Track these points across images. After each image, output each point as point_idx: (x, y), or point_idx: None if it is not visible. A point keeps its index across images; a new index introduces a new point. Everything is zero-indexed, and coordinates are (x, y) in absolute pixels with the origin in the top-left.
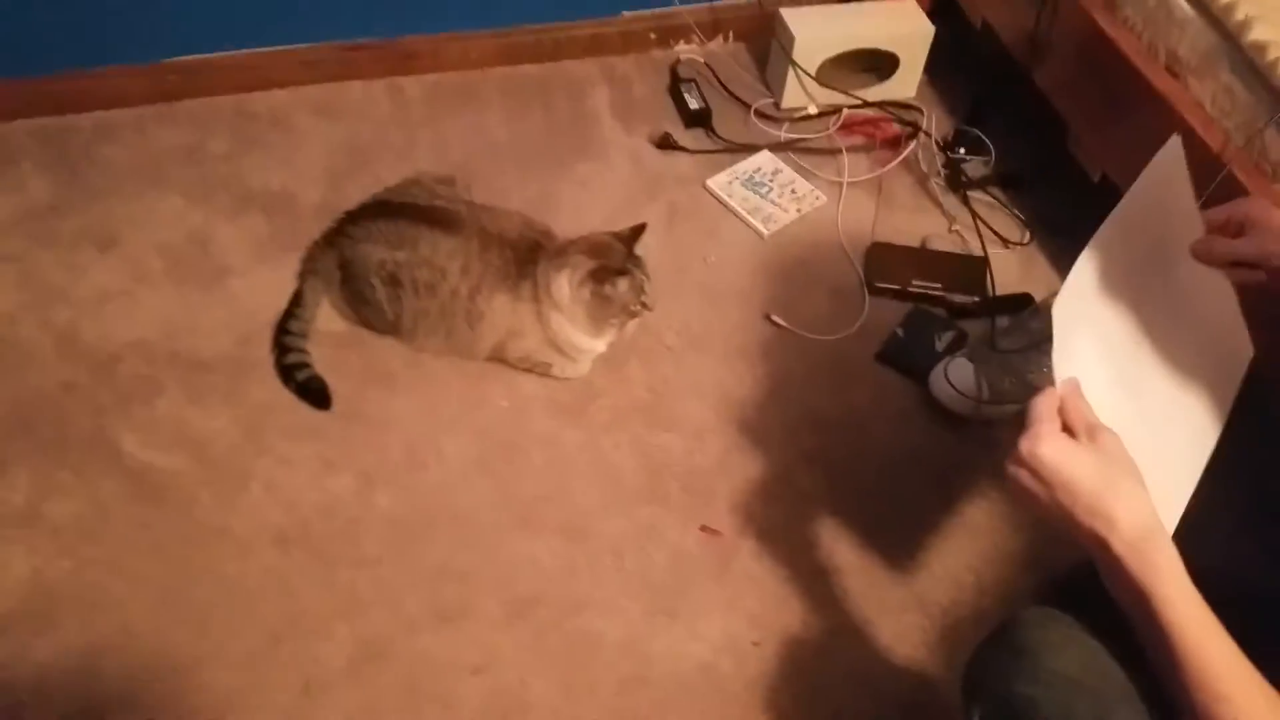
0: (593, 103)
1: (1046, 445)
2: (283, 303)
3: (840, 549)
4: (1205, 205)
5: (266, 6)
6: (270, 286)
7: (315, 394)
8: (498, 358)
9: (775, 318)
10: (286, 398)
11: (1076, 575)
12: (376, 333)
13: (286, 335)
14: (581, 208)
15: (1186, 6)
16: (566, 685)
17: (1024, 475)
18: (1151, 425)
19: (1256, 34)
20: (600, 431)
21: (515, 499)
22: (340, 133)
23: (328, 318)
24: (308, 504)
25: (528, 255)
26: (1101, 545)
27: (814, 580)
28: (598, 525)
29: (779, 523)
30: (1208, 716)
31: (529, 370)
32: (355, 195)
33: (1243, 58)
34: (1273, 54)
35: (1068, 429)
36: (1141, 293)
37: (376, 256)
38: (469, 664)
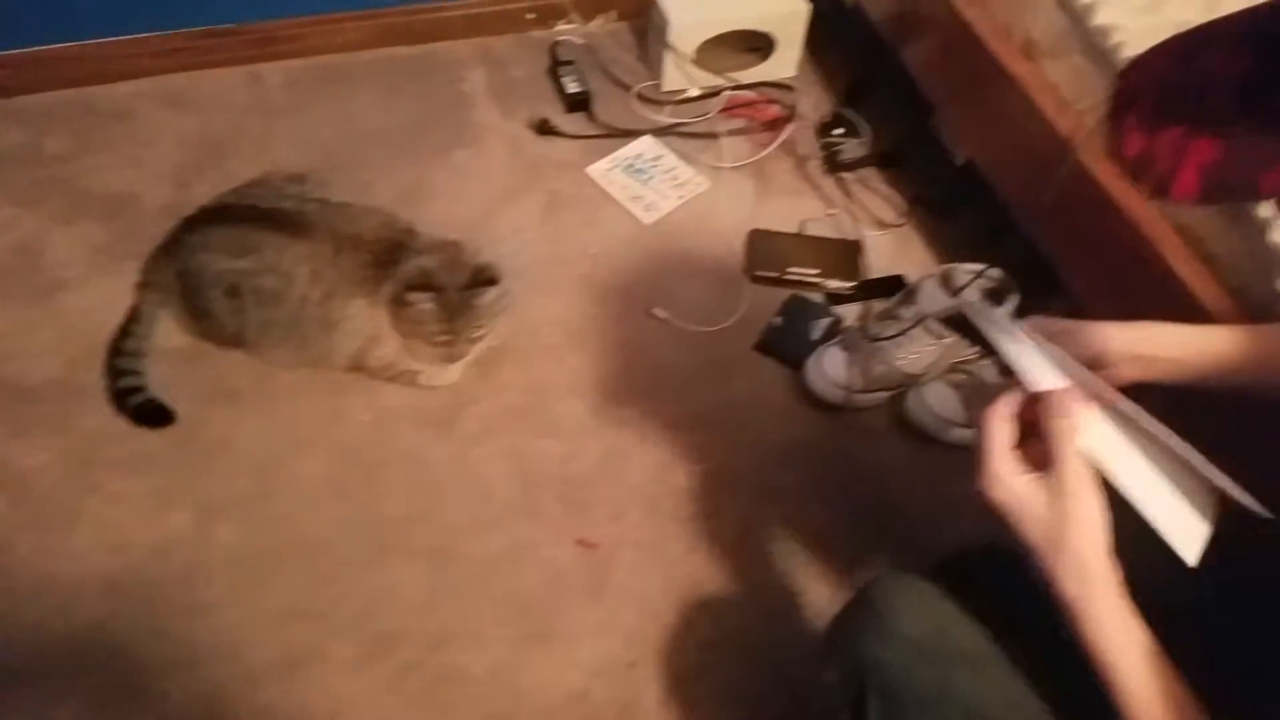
0: (468, 86)
1: (999, 489)
2: (118, 318)
3: (718, 554)
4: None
5: None
6: (106, 301)
7: (154, 414)
8: (358, 368)
9: (657, 311)
10: (120, 426)
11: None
12: (221, 347)
13: (120, 356)
14: (456, 197)
15: None
16: None
17: (985, 493)
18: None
19: (1102, 17)
20: (470, 443)
21: (374, 524)
22: (193, 126)
23: (167, 333)
24: (141, 545)
25: (387, 256)
26: (1050, 580)
27: (691, 589)
28: (465, 547)
29: (657, 530)
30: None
31: (393, 380)
32: (205, 194)
33: (1091, 40)
34: (1117, 37)
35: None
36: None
37: (216, 266)
38: (320, 714)
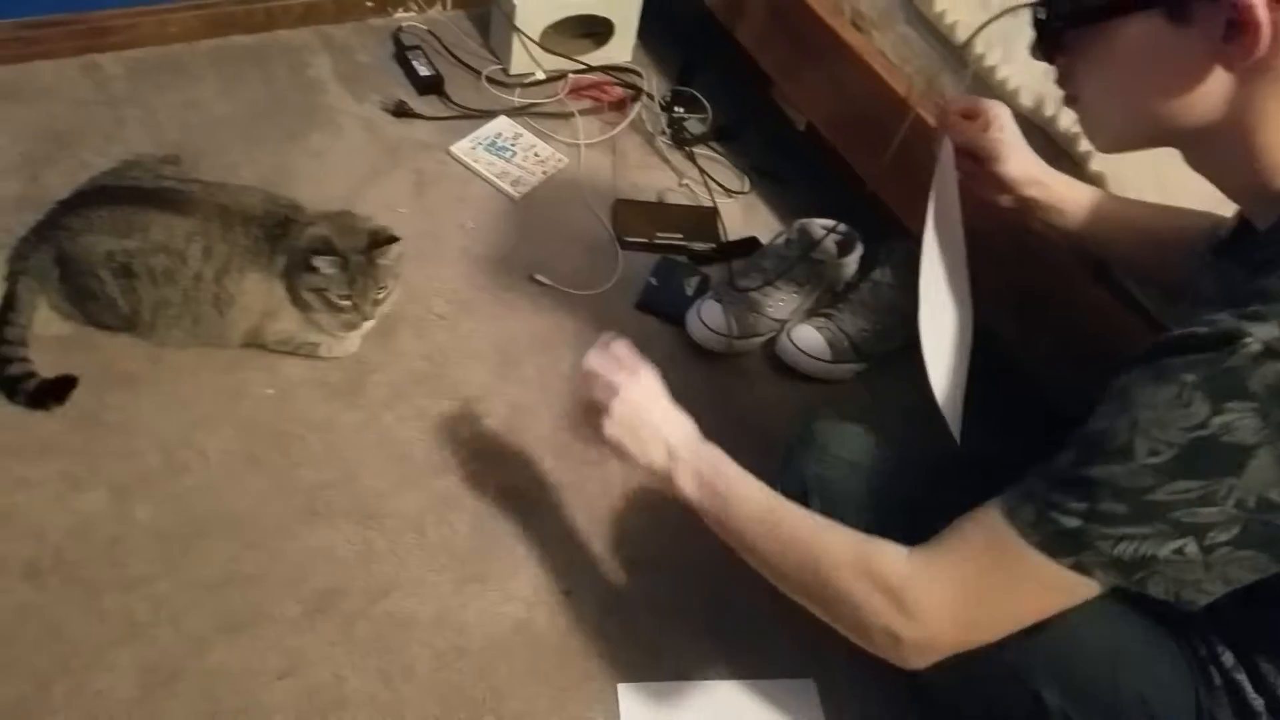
0: (315, 72)
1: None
2: None
3: (628, 488)
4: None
5: None
6: None
7: (50, 392)
8: (255, 343)
9: (539, 277)
10: (13, 414)
11: None
12: (108, 331)
13: (3, 345)
14: (320, 179)
15: None
16: (383, 672)
17: (606, 424)
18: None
19: None
20: (381, 408)
21: (297, 491)
22: (32, 117)
23: (47, 321)
24: (57, 528)
25: (277, 230)
26: (667, 466)
27: (610, 522)
28: (392, 504)
29: (570, 473)
30: (774, 540)
31: (292, 353)
32: (61, 184)
33: (914, 11)
34: (939, 6)
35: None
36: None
37: (103, 247)
38: (273, 670)
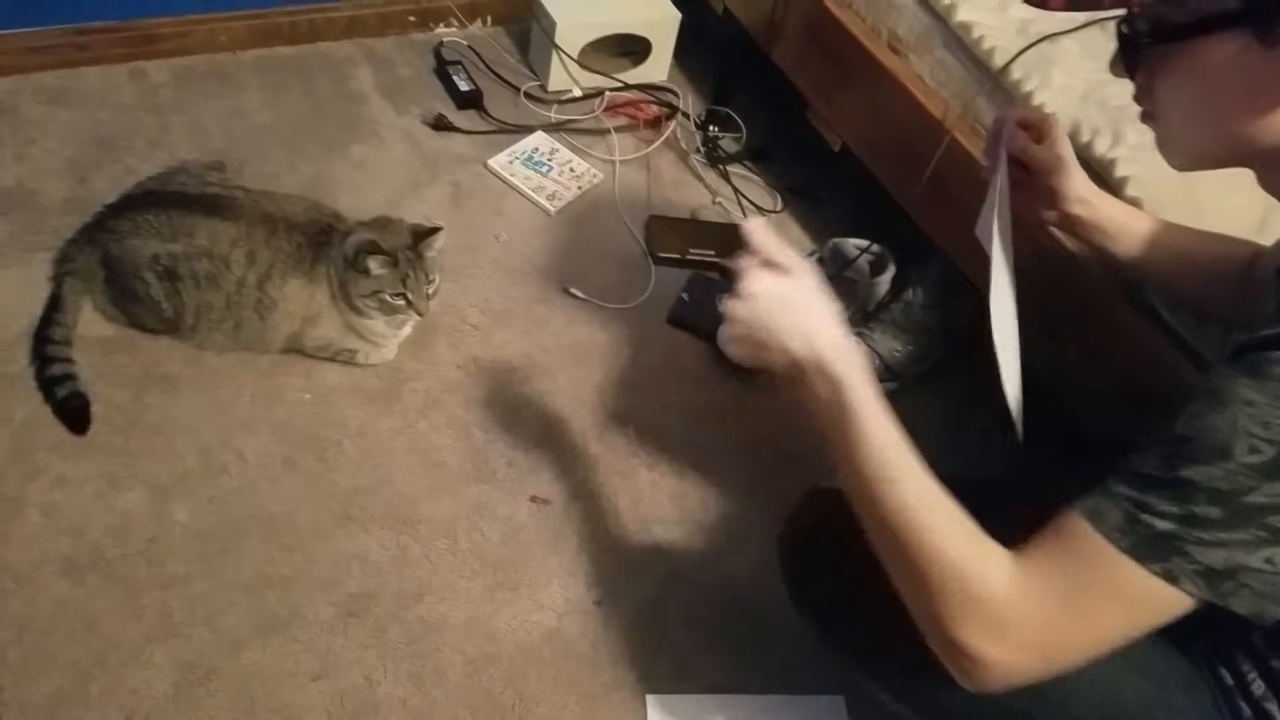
0: (357, 84)
1: (757, 281)
2: (35, 309)
3: (660, 500)
4: (934, 169)
5: None
6: (18, 293)
7: (73, 414)
8: (294, 348)
9: (573, 290)
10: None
11: None
12: (149, 333)
13: (48, 344)
14: (361, 190)
15: None
16: (414, 676)
17: (739, 308)
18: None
19: (962, 15)
20: (415, 415)
21: (332, 495)
22: (80, 122)
23: (91, 322)
24: (96, 526)
25: (320, 238)
26: (803, 358)
27: (641, 533)
28: (425, 510)
29: (602, 483)
30: (881, 497)
31: (331, 359)
32: (107, 188)
33: (952, 36)
34: (977, 32)
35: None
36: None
37: (148, 250)
38: (306, 671)
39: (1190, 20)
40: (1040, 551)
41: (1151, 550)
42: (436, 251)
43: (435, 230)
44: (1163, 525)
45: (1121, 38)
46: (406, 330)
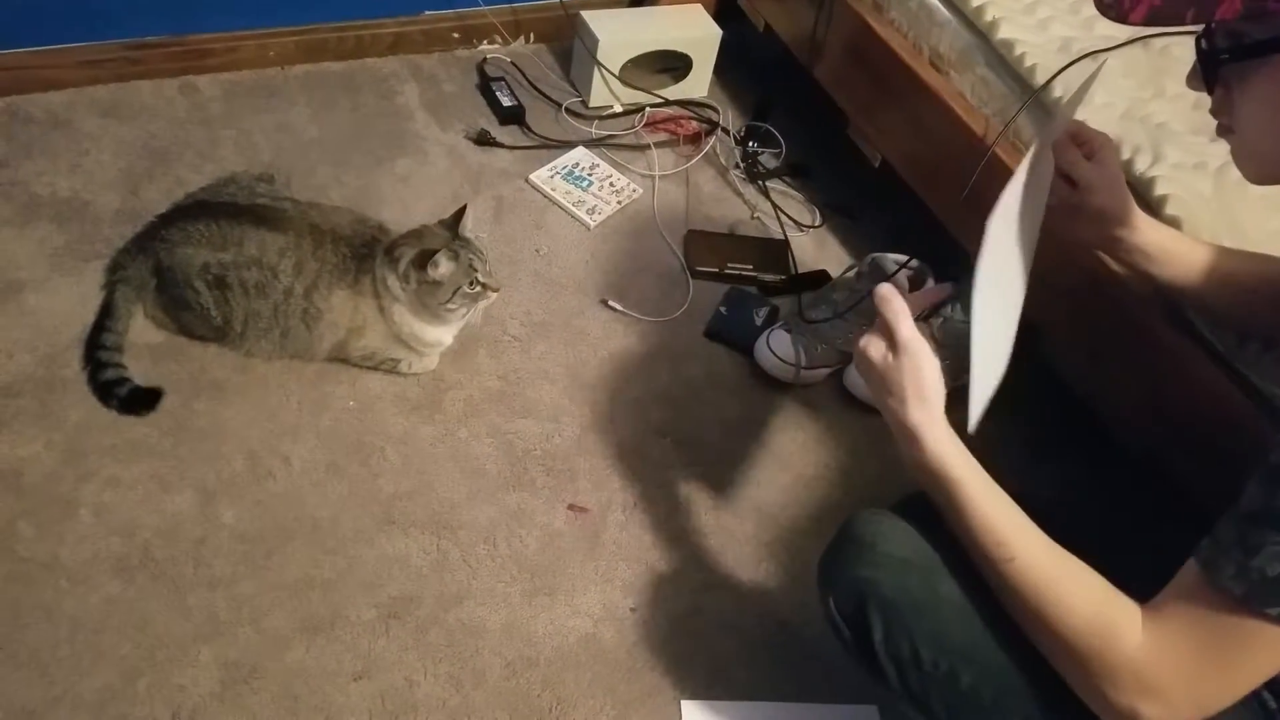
0: (403, 99)
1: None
2: (88, 316)
3: (696, 510)
4: (974, 185)
5: (38, 3)
6: (72, 299)
7: (141, 400)
8: (339, 357)
9: (612, 303)
10: (107, 416)
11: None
12: (199, 340)
13: (100, 350)
14: (406, 203)
15: (944, 9)
16: (453, 677)
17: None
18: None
19: (1004, 33)
20: (456, 423)
21: (375, 500)
22: (133, 134)
23: (142, 329)
24: (146, 527)
25: (364, 250)
26: (914, 439)
27: (677, 542)
28: (465, 516)
29: (639, 493)
30: (1000, 575)
31: (374, 368)
32: (158, 199)
33: (994, 53)
34: (1019, 50)
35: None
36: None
37: (199, 259)
38: (348, 671)
39: (1270, 37)
40: (1167, 606)
41: (1266, 595)
42: (471, 229)
43: (461, 211)
44: (1274, 569)
45: (1201, 52)
46: (448, 339)
